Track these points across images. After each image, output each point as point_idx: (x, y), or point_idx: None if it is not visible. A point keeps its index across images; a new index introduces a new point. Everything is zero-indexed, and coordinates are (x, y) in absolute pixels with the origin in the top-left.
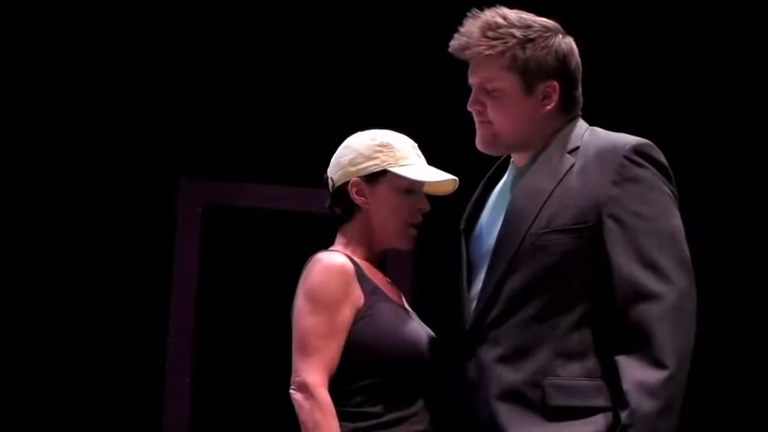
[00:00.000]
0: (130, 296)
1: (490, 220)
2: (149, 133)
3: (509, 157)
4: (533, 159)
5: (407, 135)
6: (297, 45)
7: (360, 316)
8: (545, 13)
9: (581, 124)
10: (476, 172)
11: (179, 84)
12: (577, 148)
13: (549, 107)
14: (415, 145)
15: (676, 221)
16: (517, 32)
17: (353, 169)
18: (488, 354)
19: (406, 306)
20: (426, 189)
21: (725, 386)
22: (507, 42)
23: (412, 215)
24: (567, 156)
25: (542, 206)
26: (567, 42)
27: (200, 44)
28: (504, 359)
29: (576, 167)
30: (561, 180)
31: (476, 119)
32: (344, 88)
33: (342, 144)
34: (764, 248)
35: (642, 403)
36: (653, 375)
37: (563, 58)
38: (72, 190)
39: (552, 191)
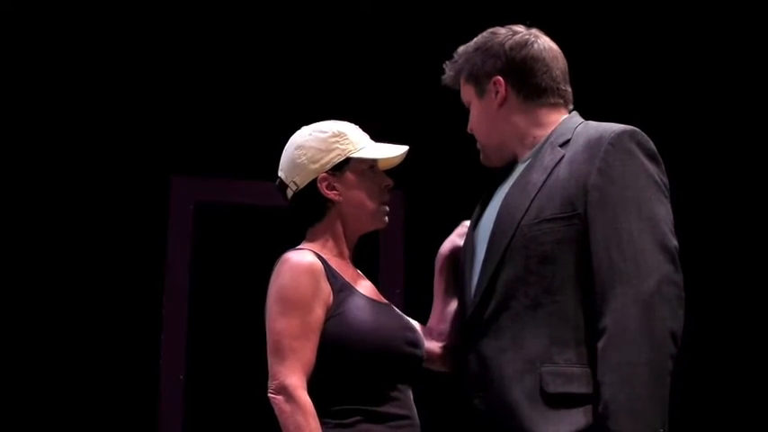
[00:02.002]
0: (123, 293)
1: (489, 216)
2: (142, 131)
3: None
4: (529, 157)
5: (400, 135)
6: (289, 43)
7: (330, 314)
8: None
9: (576, 119)
10: (475, 171)
11: (171, 82)
12: (569, 140)
13: (499, 100)
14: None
15: (660, 208)
16: (469, 48)
17: (316, 166)
18: (488, 346)
19: (379, 298)
20: (382, 163)
21: (719, 382)
22: (458, 61)
23: (381, 193)
24: (558, 148)
25: (533, 198)
26: (514, 39)
27: (194, 43)
28: (503, 350)
29: (565, 158)
30: (551, 172)
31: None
32: (336, 86)
33: (288, 146)
34: (751, 243)
35: (616, 392)
36: (626, 361)
37: (503, 54)
38: (66, 188)
39: (543, 183)
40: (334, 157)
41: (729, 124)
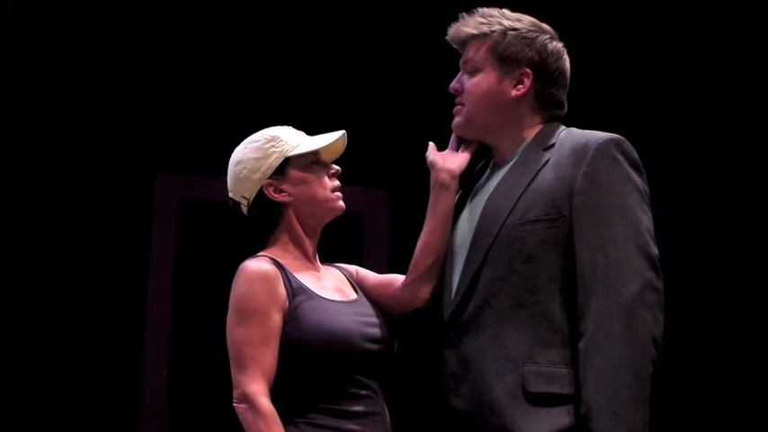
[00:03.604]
0: (107, 289)
1: (469, 216)
2: (127, 129)
3: (491, 157)
4: (512, 158)
5: (388, 135)
6: (284, 45)
7: (287, 318)
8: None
9: (560, 127)
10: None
11: (157, 80)
12: (553, 145)
13: (519, 93)
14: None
15: (643, 216)
16: (505, 22)
17: (258, 175)
18: (469, 345)
19: (345, 296)
20: (325, 157)
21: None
22: (492, 27)
23: (330, 180)
24: (543, 152)
25: (518, 200)
26: (555, 45)
27: (184, 42)
28: (484, 349)
29: (550, 162)
30: (536, 175)
31: (455, 102)
32: (327, 87)
33: (229, 166)
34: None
35: (598, 394)
36: (608, 364)
37: (544, 55)
38: (51, 185)
39: (527, 185)
40: (273, 161)
41: (708, 134)
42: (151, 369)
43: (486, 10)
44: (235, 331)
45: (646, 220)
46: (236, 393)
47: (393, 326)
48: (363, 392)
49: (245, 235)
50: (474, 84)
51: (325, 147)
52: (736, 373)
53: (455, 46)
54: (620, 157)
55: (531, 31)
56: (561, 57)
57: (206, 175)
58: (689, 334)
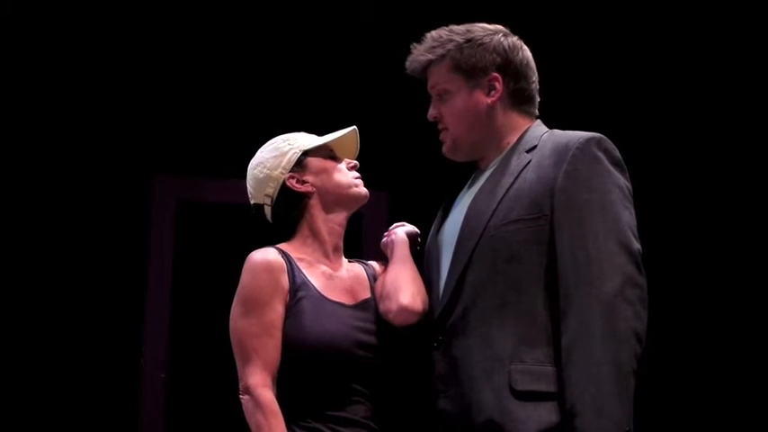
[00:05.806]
0: (105, 291)
1: (454, 221)
2: (125, 131)
3: (476, 163)
4: (495, 162)
5: (386, 138)
6: (284, 46)
7: (287, 313)
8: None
9: (542, 128)
10: (459, 173)
11: (155, 82)
12: (535, 146)
13: (494, 98)
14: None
15: (624, 212)
16: (457, 38)
17: (279, 170)
18: (457, 346)
19: (354, 298)
20: (340, 154)
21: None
22: (446, 46)
23: (350, 170)
24: (525, 154)
25: (500, 201)
26: (511, 40)
27: (181, 45)
28: (472, 349)
29: (532, 163)
30: (518, 176)
31: (439, 129)
32: (324, 90)
33: (248, 173)
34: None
35: (582, 391)
36: (591, 361)
37: (504, 53)
38: (50, 186)
39: (509, 187)
40: (292, 156)
41: (691, 131)
42: (150, 371)
43: (434, 33)
44: (237, 322)
45: (627, 216)
46: (240, 385)
47: (393, 334)
48: (356, 399)
49: (273, 236)
50: (449, 105)
51: (340, 143)
52: (720, 368)
53: (418, 77)
54: (600, 155)
55: (485, 35)
56: (521, 49)
57: (205, 176)
58: (671, 329)
